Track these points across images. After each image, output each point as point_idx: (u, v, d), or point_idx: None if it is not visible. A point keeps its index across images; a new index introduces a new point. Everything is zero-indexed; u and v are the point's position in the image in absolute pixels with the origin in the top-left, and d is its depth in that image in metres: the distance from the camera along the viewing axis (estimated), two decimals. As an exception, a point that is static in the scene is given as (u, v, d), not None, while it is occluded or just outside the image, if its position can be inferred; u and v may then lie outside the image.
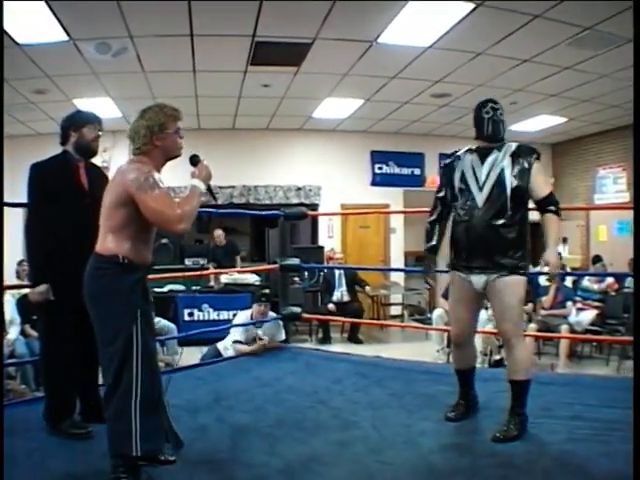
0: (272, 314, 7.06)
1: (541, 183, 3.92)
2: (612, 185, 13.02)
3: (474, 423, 4.11)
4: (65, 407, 3.86)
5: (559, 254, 4.45)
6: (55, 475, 3.11)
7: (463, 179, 3.96)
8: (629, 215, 12.44)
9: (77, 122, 3.93)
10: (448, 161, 4.13)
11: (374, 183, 13.69)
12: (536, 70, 8.72)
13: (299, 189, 13.15)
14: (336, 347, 9.17)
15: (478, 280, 3.91)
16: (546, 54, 7.99)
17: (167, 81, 9.15)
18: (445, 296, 9.13)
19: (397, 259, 13.80)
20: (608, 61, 8.15)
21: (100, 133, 4.01)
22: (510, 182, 3.82)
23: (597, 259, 10.74)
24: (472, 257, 3.91)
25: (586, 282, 9.69)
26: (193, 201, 3.02)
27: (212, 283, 11.29)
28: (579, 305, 8.99)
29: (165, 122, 3.10)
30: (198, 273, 10.94)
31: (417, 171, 13.90)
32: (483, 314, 8.63)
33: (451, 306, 4.12)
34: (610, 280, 9.60)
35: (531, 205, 3.95)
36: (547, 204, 3.88)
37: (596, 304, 9.12)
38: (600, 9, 6.50)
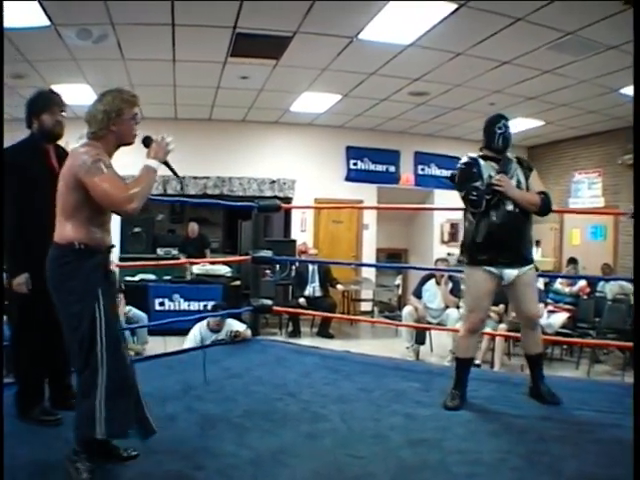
0: (230, 321, 7.04)
1: (539, 184, 4.50)
2: (587, 190, 13.14)
3: (443, 420, 4.11)
4: (36, 394, 3.80)
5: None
6: (22, 461, 3.05)
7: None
8: (603, 220, 12.69)
9: (36, 109, 3.81)
10: (472, 162, 4.39)
11: (348, 178, 13.68)
12: (515, 72, 8.78)
13: (273, 182, 13.09)
14: (305, 341, 9.15)
15: (511, 273, 4.31)
16: (526, 57, 8.06)
17: (146, 69, 9.08)
18: (417, 294, 9.18)
19: (369, 255, 13.86)
20: (588, 67, 8.23)
21: (64, 114, 3.90)
22: (525, 188, 4.36)
23: (572, 260, 10.85)
24: (507, 254, 4.29)
25: (558, 285, 9.76)
26: (143, 181, 2.96)
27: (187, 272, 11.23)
28: (550, 307, 9.04)
29: (123, 107, 3.07)
30: (170, 262, 10.90)
31: (392, 168, 13.91)
32: (455, 312, 8.70)
33: (475, 297, 4.40)
34: (582, 283, 9.68)
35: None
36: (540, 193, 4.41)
37: (567, 307, 9.17)
38: (583, 15, 6.56)
